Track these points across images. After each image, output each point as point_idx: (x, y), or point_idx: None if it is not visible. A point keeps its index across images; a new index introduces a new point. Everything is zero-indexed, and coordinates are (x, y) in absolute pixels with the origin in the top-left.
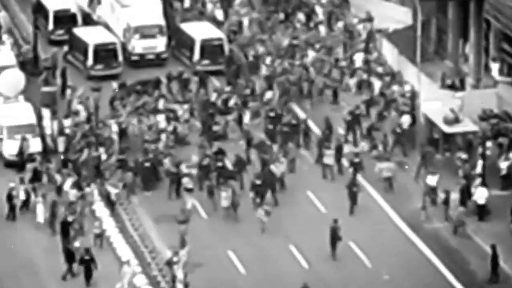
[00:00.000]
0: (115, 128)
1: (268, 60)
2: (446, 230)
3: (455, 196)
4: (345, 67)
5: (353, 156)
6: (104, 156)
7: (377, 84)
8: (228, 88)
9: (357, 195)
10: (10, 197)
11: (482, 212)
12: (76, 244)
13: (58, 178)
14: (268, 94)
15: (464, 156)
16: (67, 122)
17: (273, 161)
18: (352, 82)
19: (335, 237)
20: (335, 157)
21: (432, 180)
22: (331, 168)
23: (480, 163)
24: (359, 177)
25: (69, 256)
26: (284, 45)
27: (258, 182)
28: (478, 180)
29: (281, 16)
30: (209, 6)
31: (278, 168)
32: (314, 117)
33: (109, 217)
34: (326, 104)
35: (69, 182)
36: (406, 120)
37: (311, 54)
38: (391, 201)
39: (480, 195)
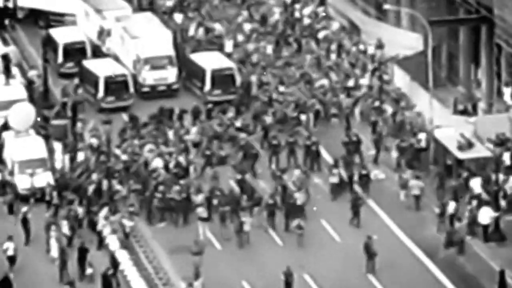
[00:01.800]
0: (124, 158)
1: (281, 88)
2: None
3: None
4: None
5: (361, 168)
6: (117, 187)
7: (389, 109)
8: (231, 114)
9: (359, 208)
10: (25, 220)
11: (486, 232)
12: (89, 270)
13: (79, 210)
14: (302, 117)
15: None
16: (80, 156)
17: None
18: (356, 110)
19: (370, 253)
20: (348, 185)
21: (451, 207)
22: (336, 188)
23: (476, 184)
24: (374, 203)
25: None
26: (296, 74)
27: (271, 201)
28: (474, 202)
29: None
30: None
31: (300, 197)
32: (326, 142)
33: (122, 249)
34: (338, 130)
35: (103, 212)
36: (423, 137)
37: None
38: (406, 228)
39: (483, 215)
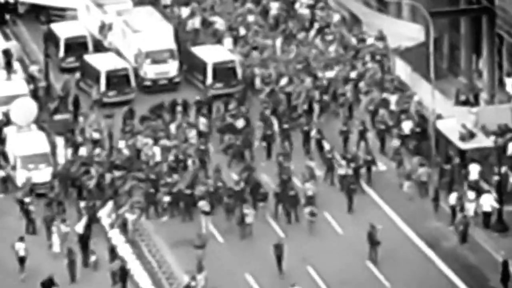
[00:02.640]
0: (127, 153)
1: (284, 80)
2: (464, 247)
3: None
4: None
5: (366, 155)
6: (119, 182)
7: (393, 98)
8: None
9: (354, 193)
10: (27, 212)
11: (488, 219)
12: (93, 258)
13: (82, 205)
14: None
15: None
16: (82, 150)
17: (305, 181)
18: (363, 100)
19: (373, 242)
20: (354, 178)
21: (452, 198)
22: (343, 179)
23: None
24: (376, 196)
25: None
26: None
27: (278, 190)
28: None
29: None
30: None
31: (311, 188)
32: (328, 134)
33: (125, 243)
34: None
35: (107, 208)
36: (407, 125)
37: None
38: (408, 219)
39: (485, 202)
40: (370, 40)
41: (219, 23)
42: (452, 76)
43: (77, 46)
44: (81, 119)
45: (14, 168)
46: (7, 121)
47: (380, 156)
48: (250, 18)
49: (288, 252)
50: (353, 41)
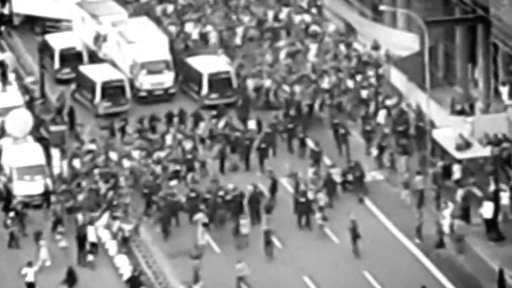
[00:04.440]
0: (127, 164)
1: (286, 87)
2: (461, 256)
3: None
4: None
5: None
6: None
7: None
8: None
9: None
10: (6, 226)
11: (489, 226)
12: (90, 257)
13: (80, 217)
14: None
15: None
16: (76, 162)
17: (317, 191)
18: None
19: (355, 235)
20: (356, 185)
21: (447, 211)
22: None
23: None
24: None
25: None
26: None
27: (302, 200)
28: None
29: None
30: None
31: (323, 198)
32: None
33: (122, 254)
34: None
35: (103, 219)
36: (381, 114)
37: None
38: (405, 228)
39: (486, 209)
40: (365, 50)
41: (213, 34)
42: (448, 85)
43: (72, 57)
44: (78, 129)
45: (10, 179)
46: (2, 133)
47: (366, 158)
48: (239, 30)
49: (285, 262)
50: (344, 50)
